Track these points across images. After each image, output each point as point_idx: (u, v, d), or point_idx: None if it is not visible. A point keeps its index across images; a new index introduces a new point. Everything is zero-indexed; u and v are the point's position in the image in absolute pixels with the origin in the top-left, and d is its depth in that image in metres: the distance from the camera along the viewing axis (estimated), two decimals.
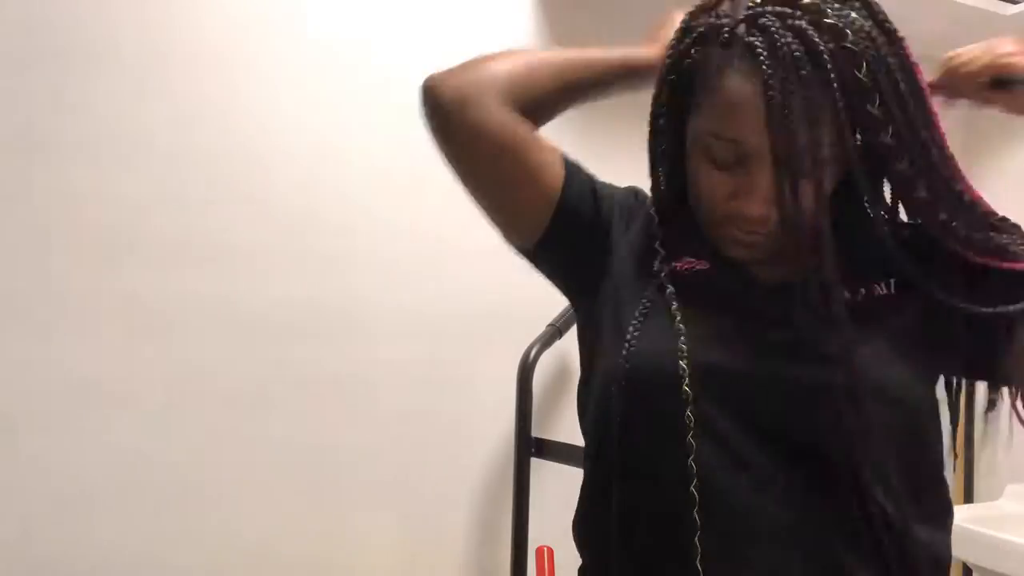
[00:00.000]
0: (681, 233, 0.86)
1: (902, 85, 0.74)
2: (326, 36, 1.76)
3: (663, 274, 0.84)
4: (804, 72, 0.72)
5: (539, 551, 1.77)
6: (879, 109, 0.73)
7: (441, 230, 1.84)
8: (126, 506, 1.58)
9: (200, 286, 1.64)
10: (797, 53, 0.72)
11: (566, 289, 0.94)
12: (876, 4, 0.76)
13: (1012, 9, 2.02)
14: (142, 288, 1.60)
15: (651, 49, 0.92)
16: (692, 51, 0.80)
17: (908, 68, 0.75)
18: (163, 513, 1.61)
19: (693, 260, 0.85)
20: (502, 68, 0.87)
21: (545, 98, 0.89)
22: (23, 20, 1.52)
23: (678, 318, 0.80)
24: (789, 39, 0.72)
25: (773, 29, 0.73)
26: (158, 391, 1.61)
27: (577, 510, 0.88)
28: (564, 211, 0.88)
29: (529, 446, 1.79)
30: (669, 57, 0.83)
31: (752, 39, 0.74)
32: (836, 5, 0.74)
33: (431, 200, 1.84)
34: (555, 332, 1.82)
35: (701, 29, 0.79)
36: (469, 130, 0.85)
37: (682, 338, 0.78)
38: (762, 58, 0.73)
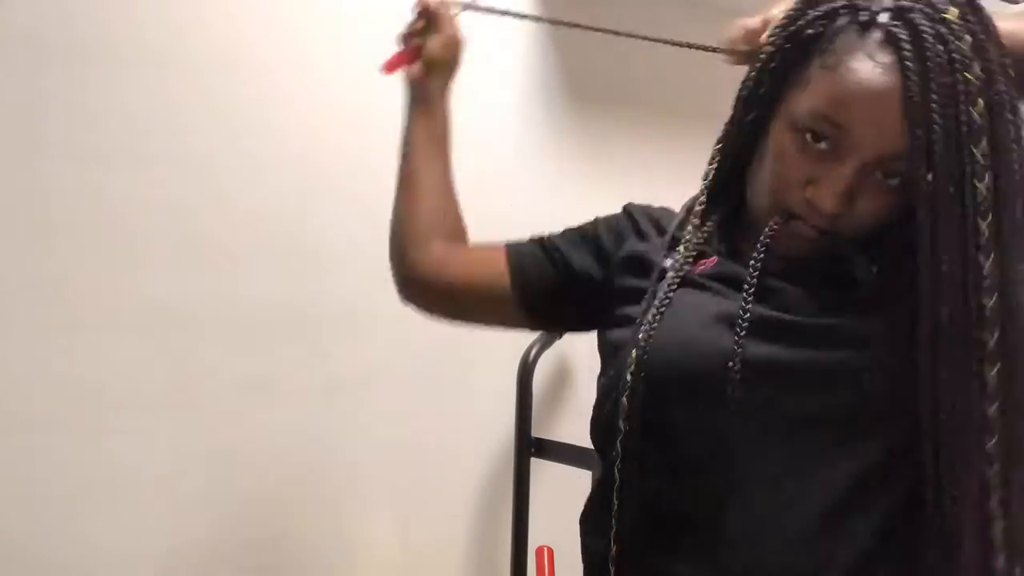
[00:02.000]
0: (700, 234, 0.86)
1: (1012, 137, 0.70)
2: (324, 36, 1.76)
3: (678, 269, 0.83)
4: (945, 82, 0.68)
5: (539, 551, 1.77)
6: (986, 152, 0.68)
7: None
8: (126, 506, 1.58)
9: (199, 286, 1.64)
10: (941, 60, 0.68)
11: (587, 329, 0.98)
12: (999, 44, 0.71)
13: (1012, 9, 2.02)
14: (141, 288, 1.60)
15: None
16: (817, 23, 0.75)
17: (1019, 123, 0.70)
18: (163, 513, 1.61)
19: (704, 262, 0.84)
20: (407, 226, 1.11)
21: (448, 211, 1.07)
22: (31, 21, 1.52)
23: (690, 308, 0.79)
24: (936, 43, 0.68)
25: (922, 28, 0.69)
26: (157, 391, 1.60)
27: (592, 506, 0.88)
28: (525, 293, 0.96)
29: (529, 446, 1.79)
30: (787, 23, 0.77)
31: (896, 30, 0.70)
32: (976, 30, 0.70)
33: None
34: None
35: (835, 4, 0.74)
36: (421, 295, 1.08)
37: (698, 328, 0.77)
38: (906, 52, 0.69)
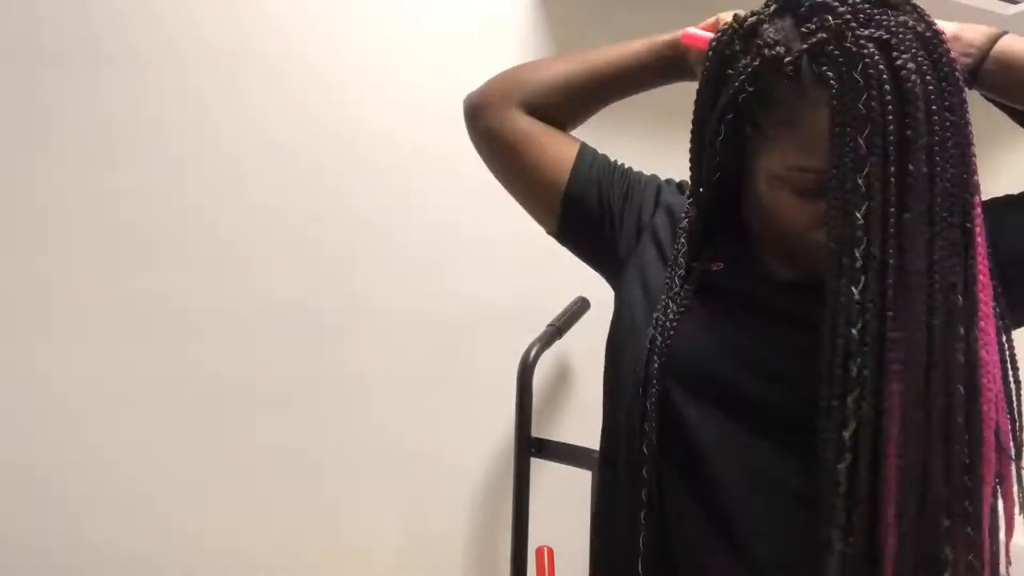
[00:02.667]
0: (706, 233, 0.87)
1: (950, 142, 0.70)
2: (324, 36, 1.76)
3: (688, 272, 0.86)
4: (861, 107, 0.69)
5: (539, 551, 1.77)
6: (923, 159, 0.70)
7: (441, 230, 1.84)
8: (126, 506, 1.58)
9: (200, 286, 1.64)
10: (860, 84, 0.70)
11: (599, 271, 1.00)
12: (937, 38, 0.73)
13: (1012, 9, 2.02)
14: (141, 288, 1.60)
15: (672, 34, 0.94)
16: (747, 86, 0.77)
17: (961, 123, 0.71)
18: (162, 513, 1.61)
19: (711, 263, 0.86)
20: (524, 78, 1.00)
21: (566, 105, 0.98)
22: (30, 18, 1.52)
23: (702, 316, 0.82)
24: (851, 69, 0.70)
25: (840, 59, 0.71)
26: (158, 391, 1.61)
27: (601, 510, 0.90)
28: (569, 201, 0.95)
29: (529, 446, 1.79)
30: (717, 92, 0.80)
31: (822, 69, 0.72)
32: (898, 30, 0.71)
33: (431, 200, 1.84)
34: (555, 332, 1.82)
35: (755, 64, 0.76)
36: (482, 133, 1.00)
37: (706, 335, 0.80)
38: (833, 89, 0.71)
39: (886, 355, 0.69)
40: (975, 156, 0.73)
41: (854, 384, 0.69)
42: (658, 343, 0.81)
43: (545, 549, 1.77)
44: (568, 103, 0.98)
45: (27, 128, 1.52)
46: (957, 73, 0.72)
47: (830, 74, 0.71)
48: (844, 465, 0.69)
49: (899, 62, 0.70)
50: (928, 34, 0.72)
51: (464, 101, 1.02)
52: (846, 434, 0.69)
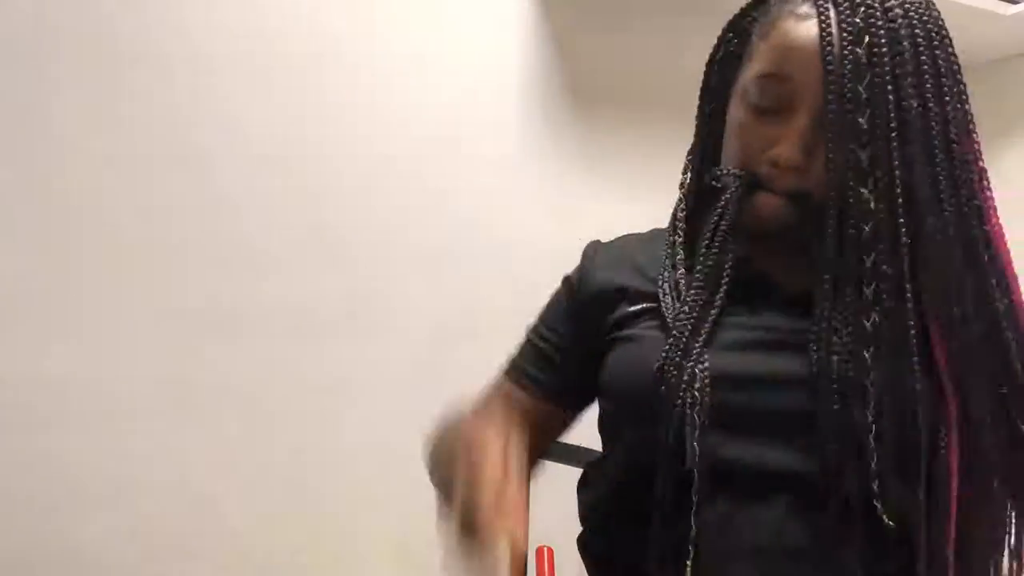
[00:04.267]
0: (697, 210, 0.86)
1: (927, 75, 0.73)
2: (324, 36, 1.76)
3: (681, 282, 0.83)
4: (858, 20, 0.72)
5: (539, 551, 1.77)
6: (880, 88, 0.72)
7: (442, 231, 1.84)
8: (127, 506, 1.58)
9: (200, 286, 1.64)
10: (859, 20, 0.73)
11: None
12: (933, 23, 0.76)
13: (1012, 9, 2.02)
14: (141, 288, 1.60)
15: None
16: (751, 12, 0.83)
17: (936, 67, 0.73)
18: (163, 513, 1.61)
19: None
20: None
21: None
22: (39, 17, 1.52)
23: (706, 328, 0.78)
24: (851, 5, 0.74)
25: None
26: (158, 391, 1.61)
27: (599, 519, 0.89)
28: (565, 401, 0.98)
29: None
30: (729, 22, 0.86)
31: None
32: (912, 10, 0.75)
33: (431, 201, 1.84)
34: None
35: None
36: None
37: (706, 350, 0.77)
38: (820, 5, 0.74)
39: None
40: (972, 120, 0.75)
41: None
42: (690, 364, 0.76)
43: (545, 549, 1.77)
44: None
45: (43, 127, 1.53)
46: (951, 50, 0.75)
47: None
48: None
49: (889, 3, 0.73)
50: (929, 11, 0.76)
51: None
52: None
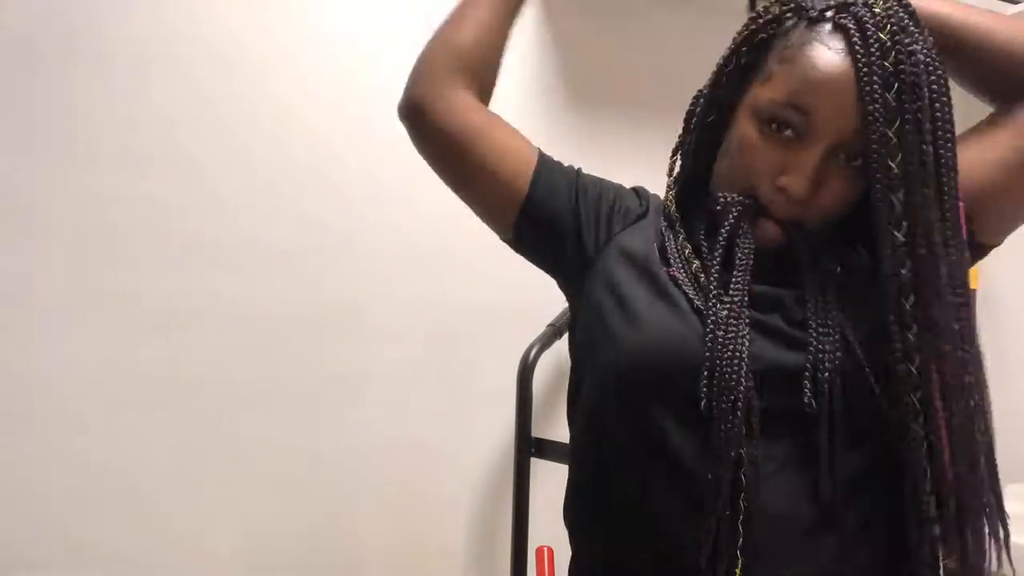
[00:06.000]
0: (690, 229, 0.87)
1: (940, 123, 0.75)
2: (325, 36, 1.76)
3: (677, 267, 0.83)
4: (888, 64, 0.73)
5: (539, 551, 1.77)
6: (912, 135, 0.74)
7: (441, 230, 1.84)
8: (127, 506, 1.58)
9: (200, 285, 1.64)
10: (887, 45, 0.73)
11: (555, 278, 0.95)
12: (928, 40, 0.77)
13: (1012, 9, 2.02)
14: (141, 287, 1.60)
15: None
16: (769, 27, 0.82)
17: (947, 115, 0.75)
18: (156, 513, 1.61)
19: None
20: (456, 47, 0.93)
21: (499, 54, 0.95)
22: (32, 17, 1.52)
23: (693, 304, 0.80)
24: (878, 31, 0.74)
25: (864, 17, 0.75)
26: (158, 390, 1.61)
27: (578, 501, 0.87)
28: (532, 205, 0.89)
29: (529, 446, 1.79)
30: (742, 33, 0.84)
31: (843, 20, 0.76)
32: (908, 24, 0.76)
33: (431, 200, 1.83)
34: (555, 332, 1.82)
35: (781, 8, 0.81)
36: (429, 132, 0.90)
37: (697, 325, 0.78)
38: (855, 39, 0.74)
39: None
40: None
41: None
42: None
43: (545, 549, 1.77)
44: (500, 50, 0.95)
45: (30, 126, 1.52)
46: (948, 98, 0.76)
47: (852, 26, 0.75)
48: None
49: (912, 48, 0.74)
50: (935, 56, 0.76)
51: (401, 102, 0.92)
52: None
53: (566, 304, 0.96)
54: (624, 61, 2.04)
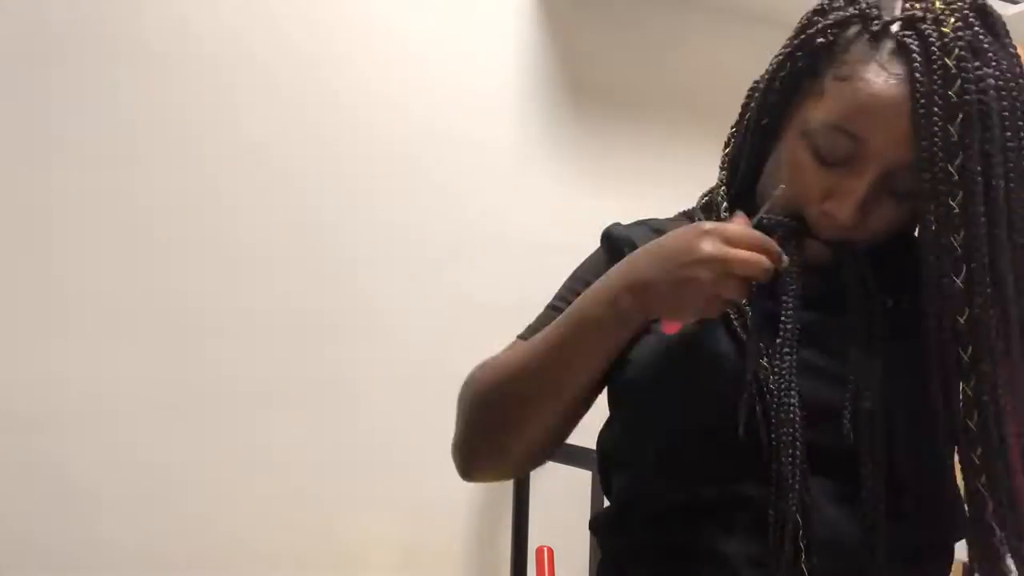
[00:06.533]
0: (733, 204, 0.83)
1: (1014, 153, 0.70)
2: (327, 36, 1.76)
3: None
4: (952, 94, 0.68)
5: (539, 551, 1.76)
6: (972, 171, 0.69)
7: (445, 231, 1.83)
8: (130, 506, 1.58)
9: (205, 287, 1.64)
10: (952, 71, 0.68)
11: None
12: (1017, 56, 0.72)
13: (1012, 9, 2.01)
14: (147, 289, 1.60)
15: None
16: (829, 32, 0.75)
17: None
18: (166, 513, 1.61)
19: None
20: (505, 447, 0.91)
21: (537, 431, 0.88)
22: (37, 14, 1.52)
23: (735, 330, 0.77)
24: (944, 56, 0.69)
25: (931, 39, 0.69)
26: (164, 391, 1.61)
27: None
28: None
29: None
30: (799, 32, 0.78)
31: (908, 40, 0.70)
32: (985, 39, 0.70)
33: (435, 201, 1.84)
34: None
35: (845, 13, 0.75)
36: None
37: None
38: (916, 63, 0.69)
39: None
40: None
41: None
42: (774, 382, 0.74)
43: (545, 549, 1.77)
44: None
45: (44, 127, 1.53)
46: None
47: (915, 47, 0.70)
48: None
49: (981, 72, 0.69)
50: (1018, 72, 0.71)
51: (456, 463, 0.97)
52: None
53: None
54: (624, 61, 2.03)
